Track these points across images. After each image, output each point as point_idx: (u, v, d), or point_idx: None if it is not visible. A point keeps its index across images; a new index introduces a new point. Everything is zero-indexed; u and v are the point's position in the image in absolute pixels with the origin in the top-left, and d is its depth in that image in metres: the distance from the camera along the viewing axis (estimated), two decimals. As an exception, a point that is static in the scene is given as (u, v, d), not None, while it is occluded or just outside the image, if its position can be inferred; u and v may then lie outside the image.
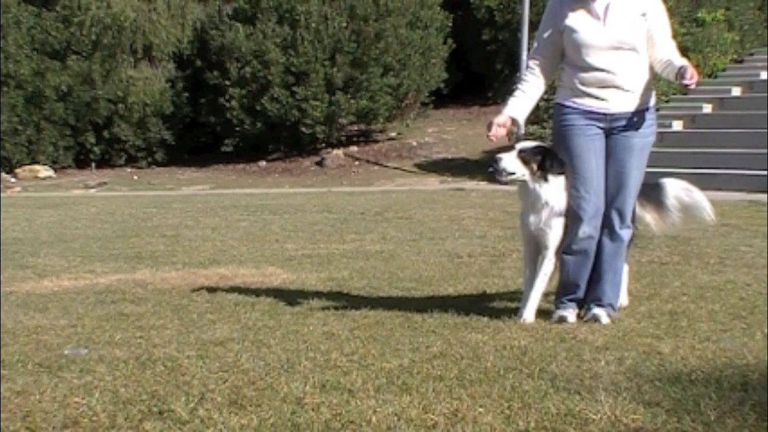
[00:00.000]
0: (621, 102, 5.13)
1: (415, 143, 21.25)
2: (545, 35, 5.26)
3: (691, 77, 5.07)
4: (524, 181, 5.15)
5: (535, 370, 3.86)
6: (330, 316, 5.30)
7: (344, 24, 20.56)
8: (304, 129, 20.67)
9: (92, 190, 19.20)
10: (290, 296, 6.10)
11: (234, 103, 20.99)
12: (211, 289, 6.43)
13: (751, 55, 21.90)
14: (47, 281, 6.96)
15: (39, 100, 21.25)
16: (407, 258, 8.01)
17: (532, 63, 5.34)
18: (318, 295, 6.15)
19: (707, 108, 19.10)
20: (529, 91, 5.32)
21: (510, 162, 5.13)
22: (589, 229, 5.14)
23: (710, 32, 21.27)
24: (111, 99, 21.65)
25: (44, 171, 21.29)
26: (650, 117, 5.24)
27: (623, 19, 5.13)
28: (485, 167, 19.31)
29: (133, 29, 22.40)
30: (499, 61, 21.89)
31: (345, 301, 5.87)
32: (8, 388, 3.69)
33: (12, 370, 4.04)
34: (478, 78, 22.78)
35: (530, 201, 5.17)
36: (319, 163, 20.85)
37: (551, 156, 5.15)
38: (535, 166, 5.12)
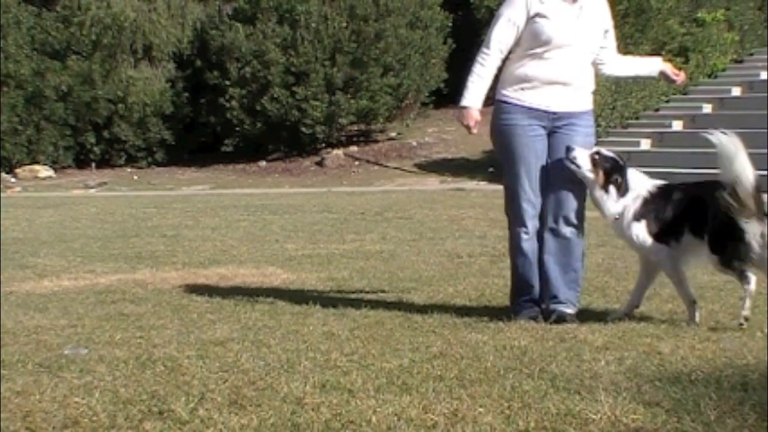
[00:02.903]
0: (565, 101, 5.14)
1: (415, 143, 21.24)
2: (513, 16, 5.17)
3: (677, 74, 5.31)
4: (586, 179, 5.08)
5: (535, 370, 3.86)
6: (330, 316, 5.30)
7: (344, 24, 20.56)
8: (304, 129, 20.67)
9: (92, 190, 19.20)
10: (290, 296, 6.10)
11: (234, 103, 20.98)
12: (211, 289, 6.43)
13: (751, 55, 21.89)
14: (47, 281, 6.96)
15: (39, 100, 21.24)
16: (407, 258, 8.01)
17: (492, 45, 5.22)
18: (318, 295, 6.15)
19: (707, 108, 19.10)
20: (485, 75, 5.26)
21: (582, 156, 5.07)
22: (531, 229, 5.15)
23: (710, 32, 21.27)
24: (111, 99, 21.64)
25: (44, 171, 21.28)
26: (590, 119, 5.32)
27: (593, 24, 5.20)
28: (485, 167, 19.38)
29: (133, 29, 22.40)
30: (499, 61, 21.88)
31: (345, 301, 5.87)
32: (8, 388, 3.69)
33: (12, 370, 4.04)
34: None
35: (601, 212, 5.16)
36: (319, 163, 20.84)
37: (622, 174, 5.10)
38: (601, 173, 5.06)
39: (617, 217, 5.08)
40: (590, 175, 5.07)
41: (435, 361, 4.05)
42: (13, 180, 20.60)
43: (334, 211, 12.65)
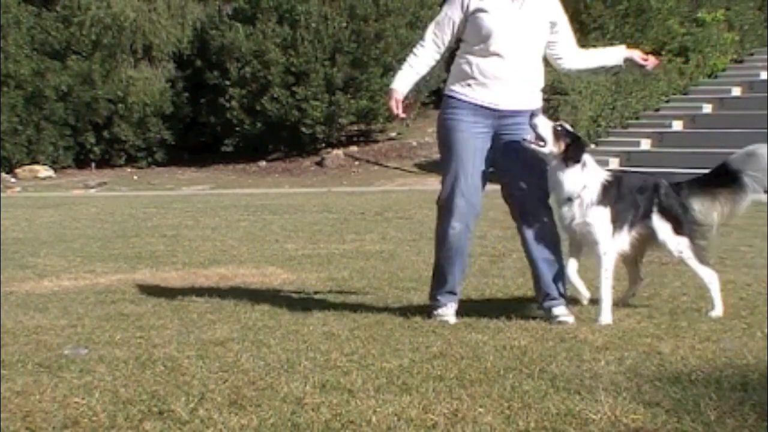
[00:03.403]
0: (512, 98, 5.10)
1: (415, 143, 21.25)
2: (450, 13, 5.19)
3: (645, 59, 5.26)
4: (543, 155, 5.00)
5: (535, 370, 3.86)
6: (330, 316, 5.30)
7: (344, 24, 20.56)
8: (304, 129, 20.67)
9: (92, 190, 19.20)
10: (290, 296, 6.11)
11: (234, 103, 20.98)
12: (211, 289, 6.43)
13: (751, 55, 21.89)
14: (47, 281, 6.96)
15: (39, 100, 21.24)
16: (407, 258, 8.01)
17: (427, 37, 5.26)
18: (318, 295, 6.15)
19: (707, 108, 19.10)
20: (416, 66, 5.29)
21: (544, 125, 5.01)
22: (459, 225, 5.15)
23: (710, 32, 21.27)
24: (111, 99, 21.64)
25: (44, 171, 21.28)
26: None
27: (537, 18, 5.15)
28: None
29: (133, 29, 22.41)
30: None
31: (345, 301, 5.87)
32: (8, 388, 3.69)
33: (12, 370, 4.03)
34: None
35: (552, 189, 5.08)
36: (319, 163, 20.85)
37: (581, 145, 5.07)
38: (562, 146, 4.98)
39: (575, 196, 5.02)
40: (553, 150, 4.99)
41: (435, 361, 4.05)
42: (13, 180, 20.60)
43: (334, 211, 12.65)
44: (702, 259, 5.29)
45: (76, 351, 4.41)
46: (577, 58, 5.38)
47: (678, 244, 5.20)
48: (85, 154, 22.12)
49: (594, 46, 22.09)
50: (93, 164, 22.07)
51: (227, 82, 21.08)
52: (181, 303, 5.85)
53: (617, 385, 3.62)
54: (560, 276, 5.19)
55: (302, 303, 5.77)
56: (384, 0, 20.67)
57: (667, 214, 5.16)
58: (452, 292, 5.25)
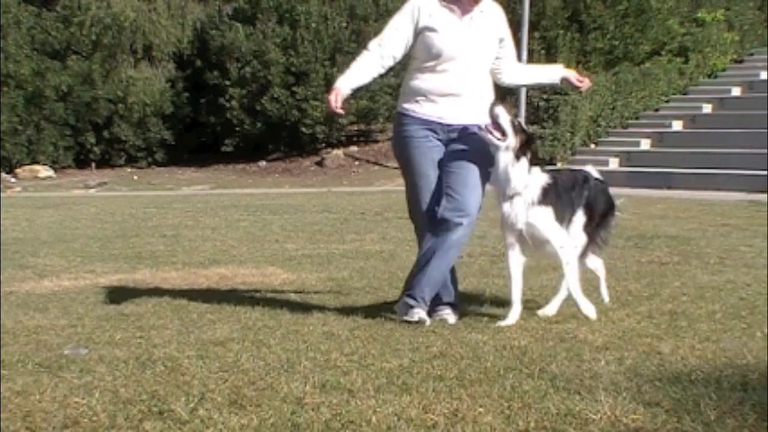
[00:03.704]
0: (460, 113, 5.12)
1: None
2: (397, 27, 5.20)
3: (581, 81, 5.36)
4: (497, 147, 4.99)
5: (535, 370, 3.86)
6: (330, 316, 5.29)
7: (344, 24, 20.57)
8: (304, 129, 20.68)
9: (92, 190, 19.20)
10: (290, 296, 6.10)
11: (234, 103, 20.99)
12: (211, 289, 6.43)
13: (751, 55, 21.91)
14: (47, 281, 6.96)
15: (39, 100, 21.25)
16: (407, 258, 8.00)
17: (372, 46, 5.26)
18: (318, 295, 6.15)
19: (707, 108, 19.12)
20: (360, 70, 5.28)
21: (505, 117, 5.00)
22: (427, 237, 5.15)
23: (710, 32, 21.28)
24: (111, 99, 21.66)
25: (44, 171, 21.29)
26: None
27: (484, 35, 5.18)
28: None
29: (133, 29, 22.42)
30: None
31: (345, 301, 5.87)
32: (8, 388, 3.69)
33: (12, 370, 4.03)
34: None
35: (498, 182, 5.08)
36: (319, 163, 20.85)
37: (534, 145, 5.09)
38: (519, 141, 4.98)
39: (520, 192, 5.01)
40: (510, 144, 4.97)
41: (435, 361, 4.05)
42: (13, 180, 20.60)
43: (334, 211, 12.65)
44: (597, 253, 5.48)
45: (76, 351, 4.41)
46: (516, 73, 5.46)
47: (576, 239, 5.25)
48: (85, 154, 22.13)
49: (594, 46, 22.09)
50: (93, 164, 22.08)
51: (227, 82, 21.09)
52: (181, 303, 5.84)
53: (617, 385, 3.62)
54: (454, 283, 5.26)
55: (302, 303, 5.77)
56: (384, 0, 20.67)
57: (588, 207, 5.24)
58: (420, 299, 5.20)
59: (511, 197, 5.03)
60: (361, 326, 4.92)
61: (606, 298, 5.54)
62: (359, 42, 20.44)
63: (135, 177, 21.19)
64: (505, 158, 5.00)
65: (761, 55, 21.28)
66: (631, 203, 13.21)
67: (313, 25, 20.55)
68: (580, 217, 5.21)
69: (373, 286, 6.50)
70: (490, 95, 5.27)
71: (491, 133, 4.98)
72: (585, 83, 5.48)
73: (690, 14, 22.21)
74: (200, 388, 3.65)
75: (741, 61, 21.63)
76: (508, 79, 5.43)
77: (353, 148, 21.47)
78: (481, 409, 3.34)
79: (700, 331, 4.70)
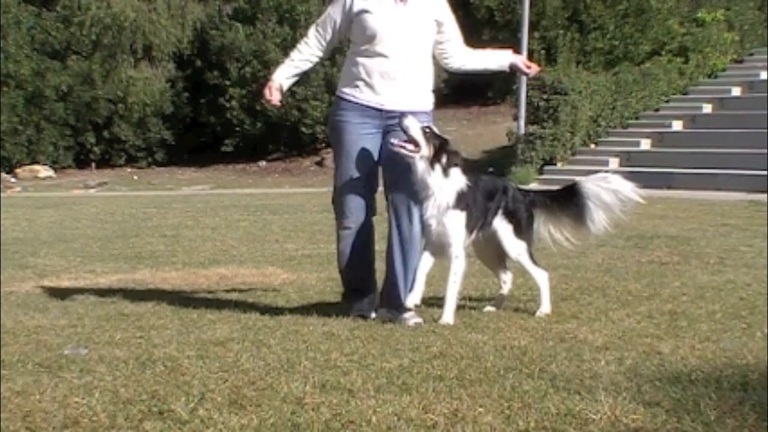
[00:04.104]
0: (398, 99, 5.13)
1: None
2: (332, 13, 5.26)
3: (529, 66, 5.35)
4: (413, 159, 4.98)
5: (535, 370, 3.85)
6: (330, 316, 5.29)
7: (344, 24, 20.56)
8: (304, 129, 20.69)
9: (92, 190, 19.20)
10: (290, 296, 6.10)
11: (234, 103, 20.99)
12: (211, 289, 6.43)
13: (751, 55, 21.91)
14: (47, 281, 6.96)
15: (39, 100, 21.26)
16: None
17: (310, 34, 5.33)
18: (318, 295, 6.15)
19: (707, 108, 19.11)
20: (297, 60, 5.35)
21: (415, 127, 4.98)
22: (353, 225, 5.17)
23: (710, 32, 21.28)
24: (111, 99, 21.66)
25: (44, 171, 21.30)
26: (427, 119, 5.21)
27: (420, 16, 5.18)
28: (485, 167, 19.36)
29: (133, 29, 22.42)
30: (499, 61, 21.88)
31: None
32: (8, 388, 3.69)
33: (12, 370, 4.03)
34: (478, 78, 22.77)
35: (420, 190, 5.06)
36: (319, 163, 20.85)
37: (449, 150, 5.08)
38: (432, 149, 4.99)
39: (433, 195, 5.01)
40: (423, 153, 4.96)
41: (435, 361, 4.04)
42: (13, 180, 20.60)
43: (334, 211, 12.63)
44: (535, 261, 5.39)
45: (76, 351, 4.41)
46: (463, 57, 5.45)
47: (517, 247, 5.28)
48: (85, 154, 22.13)
49: (594, 46, 22.08)
50: (93, 164, 22.08)
51: (227, 82, 21.09)
52: (181, 303, 5.84)
53: (617, 385, 3.62)
54: (412, 285, 5.20)
55: (302, 303, 5.76)
56: (384, 0, 20.67)
57: (510, 216, 5.26)
58: (360, 288, 5.25)
59: (425, 200, 5.04)
60: (361, 326, 4.92)
61: (497, 307, 5.48)
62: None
63: (135, 177, 21.19)
64: (421, 166, 5.01)
65: (761, 55, 21.28)
66: (631, 203, 13.20)
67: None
68: (505, 226, 5.25)
69: (373, 286, 6.49)
70: (430, 82, 5.27)
71: (404, 147, 4.98)
72: (533, 69, 5.51)
73: (690, 14, 22.21)
74: (200, 388, 3.65)
75: (741, 61, 21.63)
76: (456, 63, 5.43)
77: (353, 148, 21.46)
78: (481, 409, 3.34)
79: (700, 331, 4.70)
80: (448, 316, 5.08)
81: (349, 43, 5.34)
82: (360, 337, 4.60)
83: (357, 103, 5.17)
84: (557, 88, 17.89)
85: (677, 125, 18.65)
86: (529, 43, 18.75)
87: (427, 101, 5.27)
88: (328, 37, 5.29)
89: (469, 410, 3.33)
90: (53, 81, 21.15)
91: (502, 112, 22.14)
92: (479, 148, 19.86)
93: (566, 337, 4.58)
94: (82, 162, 22.13)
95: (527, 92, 18.22)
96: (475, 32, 22.26)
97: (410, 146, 4.97)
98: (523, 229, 5.30)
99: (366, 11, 5.11)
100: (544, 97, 18.00)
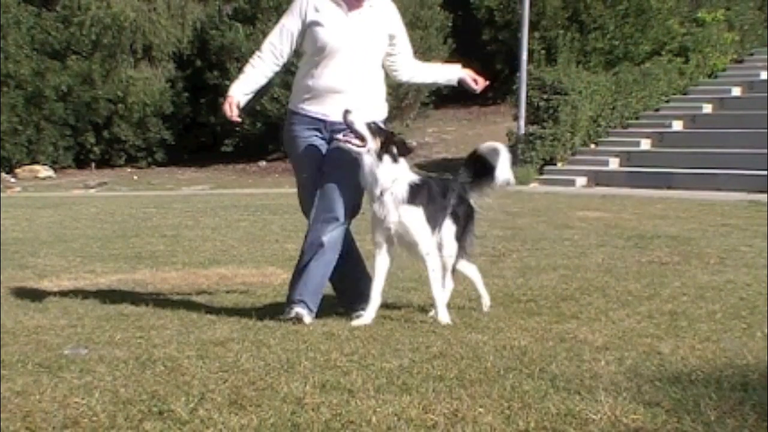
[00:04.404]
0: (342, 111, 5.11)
1: (415, 143, 21.25)
2: (284, 24, 5.28)
3: (477, 82, 5.35)
4: (361, 155, 4.98)
5: (535, 370, 3.86)
6: (330, 316, 5.29)
7: (344, 24, 20.55)
8: (304, 129, 20.67)
9: (92, 190, 19.20)
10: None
11: (234, 103, 20.96)
12: (211, 290, 6.43)
13: (751, 55, 21.91)
14: (47, 281, 6.96)
15: (39, 100, 21.25)
16: (407, 258, 7.98)
17: (264, 49, 5.34)
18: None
19: (707, 108, 19.11)
20: (253, 75, 5.34)
21: (360, 122, 4.97)
22: (316, 234, 5.18)
23: (710, 32, 21.28)
24: (111, 99, 21.66)
25: (44, 171, 21.29)
26: None
27: (372, 30, 5.19)
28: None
29: (133, 29, 22.42)
30: (499, 61, 21.90)
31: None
32: (8, 388, 3.69)
33: (12, 370, 4.03)
34: (478, 78, 22.77)
35: (367, 185, 5.06)
36: (319, 163, 20.84)
37: (396, 140, 5.08)
38: (378, 142, 4.99)
39: (387, 189, 5.01)
40: (367, 141, 4.96)
41: (435, 361, 4.04)
42: (13, 180, 20.60)
43: (334, 211, 12.62)
44: (468, 259, 5.49)
45: (76, 351, 4.41)
46: (412, 70, 5.47)
47: (451, 249, 5.30)
48: (85, 154, 22.13)
49: (594, 46, 22.05)
50: (93, 164, 22.08)
51: (227, 82, 21.00)
52: (181, 303, 5.85)
53: (617, 385, 3.62)
54: (320, 289, 5.23)
55: (302, 303, 5.75)
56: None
57: (454, 217, 5.29)
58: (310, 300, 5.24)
59: (380, 195, 5.04)
60: (361, 326, 4.92)
61: (486, 301, 5.49)
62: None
63: (135, 177, 21.19)
64: (368, 161, 5.03)
65: (761, 55, 21.28)
66: (631, 203, 13.21)
67: (313, 25, 20.56)
68: (450, 226, 5.26)
69: (373, 286, 6.48)
70: (381, 94, 5.28)
71: (350, 141, 4.99)
72: (480, 83, 5.51)
73: (690, 14, 22.21)
74: (200, 388, 3.65)
75: (741, 61, 21.63)
76: (404, 76, 5.46)
77: (353, 148, 21.47)
78: (481, 409, 3.34)
79: (700, 331, 4.70)
80: (442, 315, 5.09)
81: (297, 55, 5.37)
82: (360, 337, 4.60)
83: (305, 116, 5.22)
84: (557, 88, 17.89)
85: (677, 125, 18.65)
86: (529, 43, 18.75)
87: (378, 113, 5.26)
88: (285, 51, 5.28)
89: (469, 410, 3.33)
90: (53, 81, 21.14)
91: (502, 112, 22.14)
92: (479, 148, 19.81)
93: (566, 337, 4.58)
94: (82, 162, 22.13)
95: (527, 92, 18.22)
96: (475, 32, 22.29)
97: (356, 141, 4.98)
98: (464, 232, 5.35)
99: (317, 23, 5.14)
100: (544, 97, 18.00)
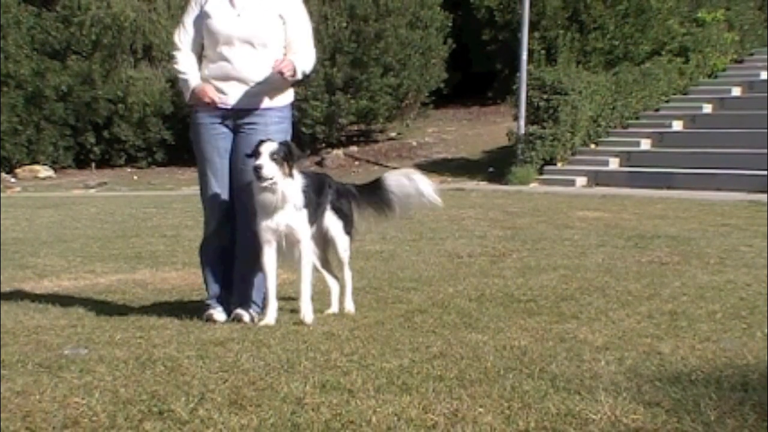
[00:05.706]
0: (243, 97, 5.20)
1: (415, 143, 21.24)
2: (183, 21, 5.40)
3: (284, 67, 5.14)
4: (276, 183, 4.98)
5: (535, 370, 3.86)
6: (330, 316, 5.30)
7: (344, 24, 20.56)
8: (304, 129, 20.67)
9: (92, 190, 19.20)
10: (290, 296, 6.10)
11: (234, 103, 20.97)
12: (211, 289, 6.42)
13: (751, 55, 21.91)
14: (47, 281, 6.96)
15: (39, 100, 21.23)
16: (407, 258, 8.01)
17: (177, 42, 5.41)
18: (317, 295, 6.15)
19: (707, 108, 19.11)
20: (186, 70, 5.36)
21: (269, 167, 4.93)
22: (216, 226, 5.32)
23: (710, 32, 21.27)
24: (111, 99, 21.63)
25: (44, 171, 21.27)
26: (279, 116, 5.29)
27: (258, 15, 5.24)
28: (485, 167, 19.33)
29: (133, 29, 22.39)
30: (499, 61, 21.89)
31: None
32: (8, 388, 3.69)
33: (12, 370, 4.03)
34: (478, 78, 22.79)
35: (274, 200, 5.04)
36: (319, 163, 20.83)
37: (292, 150, 5.08)
38: (286, 166, 5.00)
39: (288, 201, 5.05)
40: (281, 176, 4.96)
41: (435, 361, 4.05)
42: (13, 180, 20.59)
43: (334, 211, 12.62)
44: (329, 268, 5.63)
45: (76, 351, 4.41)
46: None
47: (345, 242, 5.40)
48: (85, 154, 22.11)
49: (594, 46, 22.03)
50: (93, 164, 22.07)
51: (227, 82, 21.07)
52: (181, 303, 5.85)
53: (617, 385, 3.62)
54: (259, 287, 5.30)
55: (302, 303, 5.75)
56: (384, 0, 20.66)
57: (338, 212, 5.36)
58: (217, 294, 5.35)
59: (282, 207, 5.05)
60: (361, 326, 4.92)
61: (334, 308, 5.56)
62: (359, 42, 20.46)
63: (135, 177, 21.18)
64: (281, 187, 5.02)
65: (761, 55, 21.28)
66: (631, 203, 13.21)
67: (313, 25, 20.54)
68: (335, 221, 5.33)
69: (373, 286, 6.50)
70: (279, 80, 5.23)
71: (266, 188, 4.99)
72: (286, 69, 5.31)
73: (690, 14, 22.19)
74: (200, 388, 3.65)
75: (741, 61, 21.63)
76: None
77: (353, 148, 21.46)
78: (481, 409, 3.34)
79: (700, 331, 4.70)
80: (307, 313, 5.14)
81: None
82: (360, 337, 4.60)
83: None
84: (557, 88, 17.88)
85: (677, 125, 18.64)
86: (529, 43, 18.75)
87: (281, 98, 5.31)
88: (190, 42, 5.36)
89: (469, 410, 3.33)
90: (53, 81, 21.13)
91: (502, 112, 22.13)
92: (479, 148, 19.84)
93: (566, 337, 4.58)
94: (82, 162, 22.11)
95: (527, 92, 18.22)
96: (475, 32, 22.28)
97: (269, 181, 4.94)
98: (351, 225, 5.43)
99: (207, 15, 5.25)
100: (544, 97, 17.99)
